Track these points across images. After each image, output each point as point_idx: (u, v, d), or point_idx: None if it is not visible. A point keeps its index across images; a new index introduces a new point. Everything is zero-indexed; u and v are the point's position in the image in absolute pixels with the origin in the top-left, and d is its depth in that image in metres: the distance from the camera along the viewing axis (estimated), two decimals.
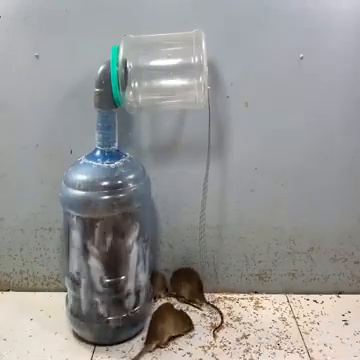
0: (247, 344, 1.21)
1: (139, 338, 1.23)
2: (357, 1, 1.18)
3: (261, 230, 1.38)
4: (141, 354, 1.15)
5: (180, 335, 1.22)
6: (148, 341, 1.18)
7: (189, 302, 1.36)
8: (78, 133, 1.29)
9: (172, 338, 1.21)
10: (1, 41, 1.23)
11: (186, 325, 1.24)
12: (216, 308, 1.33)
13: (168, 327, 1.19)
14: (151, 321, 1.21)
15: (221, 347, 1.19)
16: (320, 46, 1.21)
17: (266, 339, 1.23)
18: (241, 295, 1.42)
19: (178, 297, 1.38)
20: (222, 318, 1.29)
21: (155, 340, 1.17)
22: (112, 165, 1.12)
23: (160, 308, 1.25)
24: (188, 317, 1.25)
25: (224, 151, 1.31)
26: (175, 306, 1.29)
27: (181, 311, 1.26)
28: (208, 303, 1.36)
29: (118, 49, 1.07)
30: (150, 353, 1.16)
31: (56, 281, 1.44)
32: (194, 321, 1.27)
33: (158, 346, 1.18)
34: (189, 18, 1.19)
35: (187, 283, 1.36)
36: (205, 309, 1.34)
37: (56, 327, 1.27)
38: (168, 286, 1.39)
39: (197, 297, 1.36)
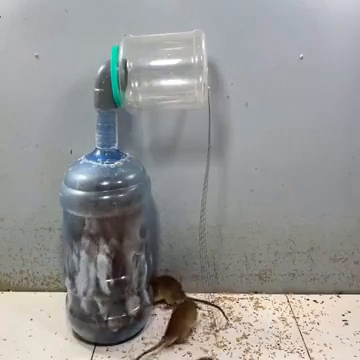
0: (247, 344, 1.21)
1: (139, 338, 1.23)
2: (357, 1, 1.18)
3: (261, 230, 1.38)
4: (159, 345, 1.16)
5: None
6: (168, 334, 1.18)
7: (174, 304, 1.34)
8: (78, 133, 1.29)
9: (191, 331, 1.23)
10: (1, 41, 1.23)
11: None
12: (217, 306, 1.32)
13: (189, 323, 1.21)
14: (172, 316, 1.22)
15: (221, 347, 1.19)
16: (320, 46, 1.21)
17: (266, 339, 1.23)
18: (241, 295, 1.42)
19: (161, 302, 1.36)
20: (224, 314, 1.29)
21: (175, 335, 1.18)
22: (112, 165, 1.12)
23: (182, 305, 1.27)
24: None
25: (224, 151, 1.31)
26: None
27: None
28: (208, 303, 1.35)
29: (118, 49, 1.07)
30: (169, 347, 1.18)
31: (56, 281, 1.44)
32: None
33: (176, 342, 1.18)
34: (189, 18, 1.19)
35: (167, 289, 1.35)
36: (205, 309, 1.34)
37: (56, 327, 1.27)
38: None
39: (179, 298, 1.34)
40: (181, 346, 1.19)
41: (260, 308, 1.36)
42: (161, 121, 1.29)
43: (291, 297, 1.41)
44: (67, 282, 1.20)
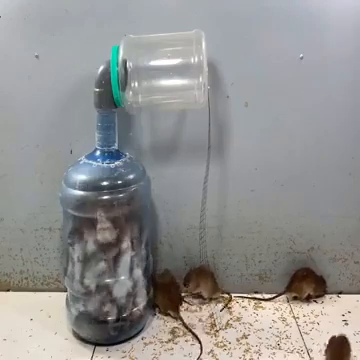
0: (247, 344, 1.21)
1: (139, 338, 1.23)
2: (357, 1, 1.18)
3: (261, 230, 1.38)
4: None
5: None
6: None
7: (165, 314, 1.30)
8: (78, 133, 1.29)
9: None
10: (1, 41, 1.23)
11: None
12: (196, 336, 1.22)
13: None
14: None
15: (221, 347, 1.19)
16: (320, 46, 1.21)
17: (266, 339, 1.23)
18: (241, 295, 1.42)
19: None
20: (201, 347, 1.18)
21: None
22: (112, 165, 1.12)
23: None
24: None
25: (224, 151, 1.31)
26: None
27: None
28: (188, 329, 1.25)
29: (118, 49, 1.07)
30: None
31: (56, 281, 1.44)
32: (193, 321, 1.28)
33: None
34: (189, 18, 1.19)
35: (166, 295, 1.30)
36: (205, 310, 1.34)
37: (56, 327, 1.27)
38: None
39: (172, 310, 1.30)
40: (181, 346, 1.19)
41: (260, 308, 1.36)
42: (161, 121, 1.29)
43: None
44: (67, 282, 1.21)
